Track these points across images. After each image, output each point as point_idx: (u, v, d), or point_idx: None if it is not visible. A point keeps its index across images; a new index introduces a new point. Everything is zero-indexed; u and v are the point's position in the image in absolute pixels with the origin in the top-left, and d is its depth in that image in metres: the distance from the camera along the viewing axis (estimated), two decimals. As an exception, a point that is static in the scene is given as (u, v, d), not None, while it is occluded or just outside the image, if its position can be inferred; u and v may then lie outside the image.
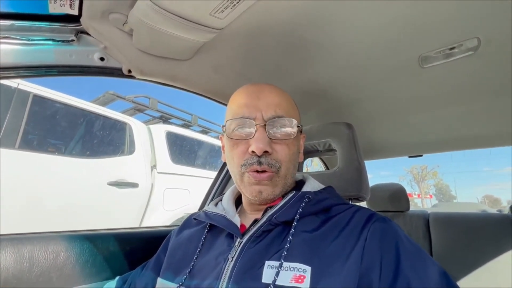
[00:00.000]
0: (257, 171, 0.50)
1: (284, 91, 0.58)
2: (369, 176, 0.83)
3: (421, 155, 1.71)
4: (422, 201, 33.79)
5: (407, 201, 1.56)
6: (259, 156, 0.50)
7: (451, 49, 0.75)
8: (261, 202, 0.54)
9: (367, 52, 0.78)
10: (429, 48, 0.76)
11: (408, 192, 1.75)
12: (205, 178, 3.13)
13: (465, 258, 1.19)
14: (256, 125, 0.51)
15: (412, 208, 1.55)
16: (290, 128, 0.52)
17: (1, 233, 0.62)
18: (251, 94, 0.54)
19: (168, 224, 2.63)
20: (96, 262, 0.69)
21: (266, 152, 0.50)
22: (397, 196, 1.56)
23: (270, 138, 0.51)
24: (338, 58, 0.81)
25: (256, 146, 0.49)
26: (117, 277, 0.67)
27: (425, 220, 1.42)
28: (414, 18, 0.65)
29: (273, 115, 0.52)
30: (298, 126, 0.54)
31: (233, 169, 0.55)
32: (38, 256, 0.62)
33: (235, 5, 0.55)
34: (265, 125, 0.51)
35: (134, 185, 2.52)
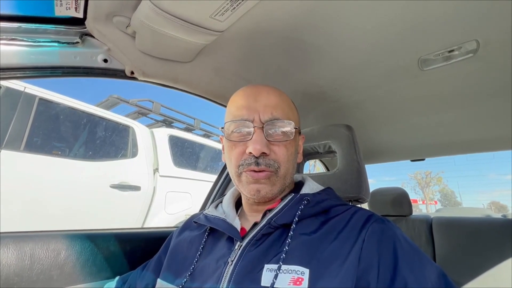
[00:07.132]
0: (255, 171, 0.51)
1: (282, 92, 0.59)
2: (371, 181, 0.82)
3: (423, 159, 1.70)
4: (426, 207, 33.29)
5: (410, 205, 1.55)
6: (257, 157, 0.51)
7: (450, 51, 0.75)
8: (260, 200, 0.54)
9: (366, 54, 0.79)
10: (428, 51, 0.76)
11: (412, 198, 1.73)
12: (207, 181, 3.13)
13: (469, 262, 1.17)
14: (254, 127, 0.52)
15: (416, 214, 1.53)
16: (287, 129, 0.53)
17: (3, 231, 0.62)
18: (249, 96, 0.55)
19: (169, 227, 2.63)
20: (96, 262, 0.69)
21: (264, 153, 0.51)
22: (399, 200, 1.54)
23: (268, 140, 0.52)
24: (338, 60, 0.82)
25: (253, 147, 0.50)
26: (117, 277, 0.67)
27: (428, 224, 1.40)
28: (413, 20, 0.65)
29: (270, 117, 0.52)
30: (296, 128, 0.55)
31: (231, 170, 0.55)
32: (39, 254, 0.62)
33: (235, 8, 0.56)
34: (262, 127, 0.52)
35: (136, 188, 2.53)
